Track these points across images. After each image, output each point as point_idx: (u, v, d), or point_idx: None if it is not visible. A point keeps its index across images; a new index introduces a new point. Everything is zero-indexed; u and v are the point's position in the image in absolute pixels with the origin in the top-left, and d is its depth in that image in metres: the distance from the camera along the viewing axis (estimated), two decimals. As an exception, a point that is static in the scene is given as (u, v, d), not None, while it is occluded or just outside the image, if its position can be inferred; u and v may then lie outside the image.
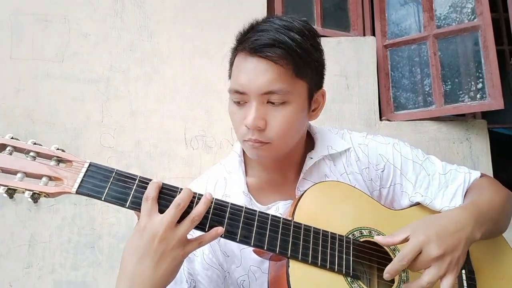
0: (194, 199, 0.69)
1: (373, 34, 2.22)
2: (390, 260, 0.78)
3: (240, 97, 0.77)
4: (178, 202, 0.66)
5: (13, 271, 1.83)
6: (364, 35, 2.22)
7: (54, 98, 1.97)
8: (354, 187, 0.85)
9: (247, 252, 0.81)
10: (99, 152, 1.94)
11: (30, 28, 2.00)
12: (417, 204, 0.90)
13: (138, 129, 1.98)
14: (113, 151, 1.95)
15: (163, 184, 0.68)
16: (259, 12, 2.10)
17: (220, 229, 0.68)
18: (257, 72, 0.73)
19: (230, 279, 0.85)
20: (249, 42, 0.74)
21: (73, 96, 1.98)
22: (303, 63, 0.76)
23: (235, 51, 0.80)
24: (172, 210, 0.65)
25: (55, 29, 2.02)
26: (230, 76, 0.83)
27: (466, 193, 0.90)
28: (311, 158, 0.87)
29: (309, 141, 0.92)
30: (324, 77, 0.85)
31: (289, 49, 0.73)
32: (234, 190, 0.87)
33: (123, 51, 2.04)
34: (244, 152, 0.92)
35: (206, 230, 0.68)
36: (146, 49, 2.05)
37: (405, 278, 0.76)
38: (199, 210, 0.67)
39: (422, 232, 0.71)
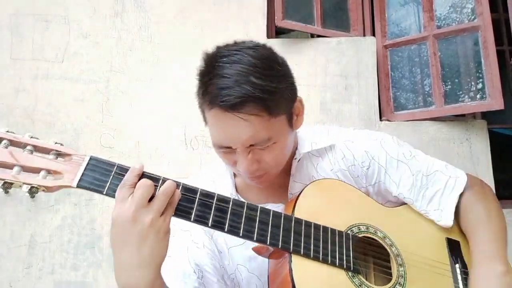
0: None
1: (373, 34, 2.22)
2: (388, 255, 0.79)
3: (225, 150, 0.76)
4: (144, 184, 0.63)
5: (13, 271, 1.83)
6: (364, 35, 2.22)
7: (54, 98, 1.97)
8: (350, 184, 0.86)
9: (234, 250, 0.84)
10: (99, 152, 1.94)
11: (30, 28, 2.01)
12: None
13: (138, 129, 1.98)
14: (113, 152, 1.95)
15: (144, 172, 0.66)
16: (259, 12, 2.10)
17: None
18: (237, 130, 0.71)
19: (226, 273, 0.87)
20: (218, 98, 0.70)
21: (73, 96, 1.98)
22: (275, 103, 0.72)
23: (202, 100, 0.77)
24: (140, 190, 0.62)
25: (55, 29, 2.02)
26: (206, 123, 0.79)
27: (466, 206, 0.88)
28: (295, 158, 0.87)
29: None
30: (297, 87, 0.82)
31: (260, 100, 0.70)
32: (222, 192, 0.86)
33: (123, 51, 2.04)
34: None
35: (209, 225, 0.67)
36: (146, 50, 2.05)
37: (403, 273, 0.77)
38: (166, 185, 0.65)
39: None
